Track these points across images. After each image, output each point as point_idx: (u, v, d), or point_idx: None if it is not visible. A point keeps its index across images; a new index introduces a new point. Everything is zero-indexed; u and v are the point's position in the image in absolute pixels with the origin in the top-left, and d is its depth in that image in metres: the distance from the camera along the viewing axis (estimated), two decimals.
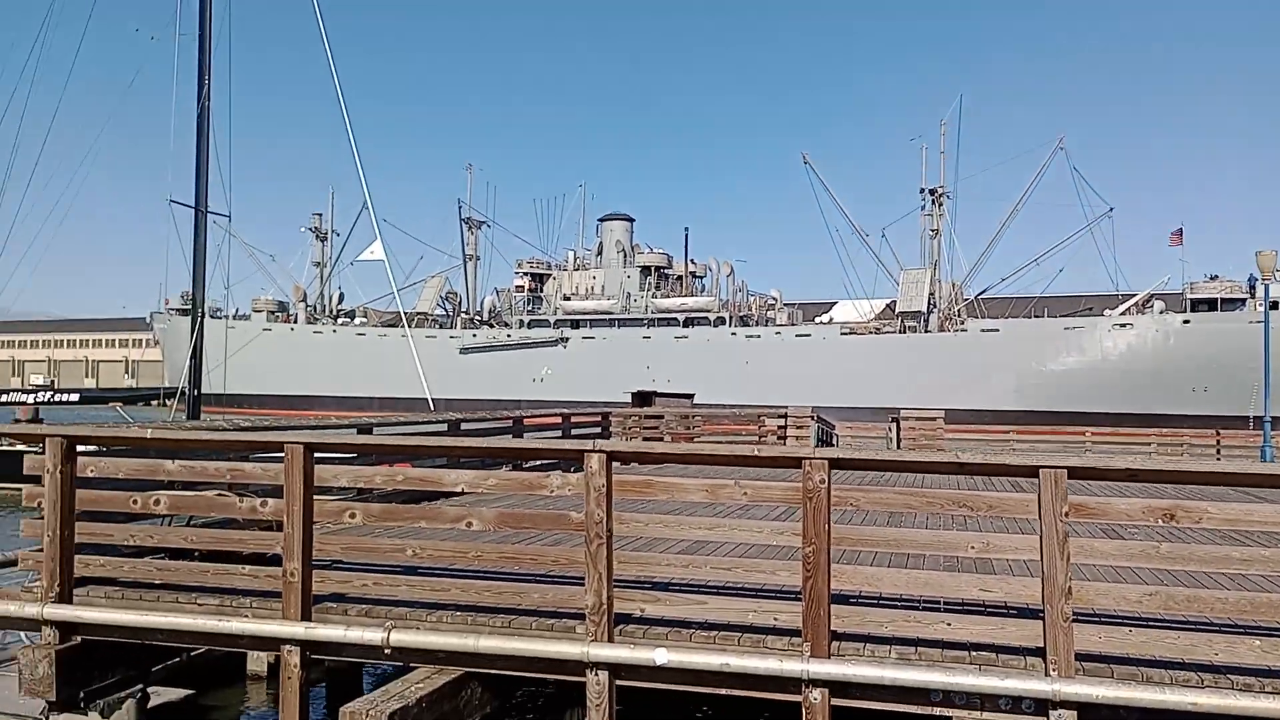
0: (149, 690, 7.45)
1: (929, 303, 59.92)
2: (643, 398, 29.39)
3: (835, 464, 5.81)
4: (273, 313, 76.41)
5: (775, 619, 5.87)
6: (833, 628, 5.65)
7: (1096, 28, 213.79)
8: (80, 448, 7.18)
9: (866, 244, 63.06)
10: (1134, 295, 56.05)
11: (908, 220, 67.47)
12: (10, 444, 28.94)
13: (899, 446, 20.98)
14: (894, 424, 22.01)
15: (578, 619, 6.08)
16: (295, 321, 75.47)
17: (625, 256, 73.15)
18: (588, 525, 6.02)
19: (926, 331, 59.52)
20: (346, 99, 27.61)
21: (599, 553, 5.95)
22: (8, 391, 38.24)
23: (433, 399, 31.76)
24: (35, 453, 7.29)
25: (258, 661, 9.28)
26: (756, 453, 6.49)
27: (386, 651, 6.29)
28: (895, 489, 5.95)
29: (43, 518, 7.08)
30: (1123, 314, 54.94)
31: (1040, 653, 5.40)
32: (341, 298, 78.32)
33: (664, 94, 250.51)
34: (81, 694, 6.88)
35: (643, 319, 68.01)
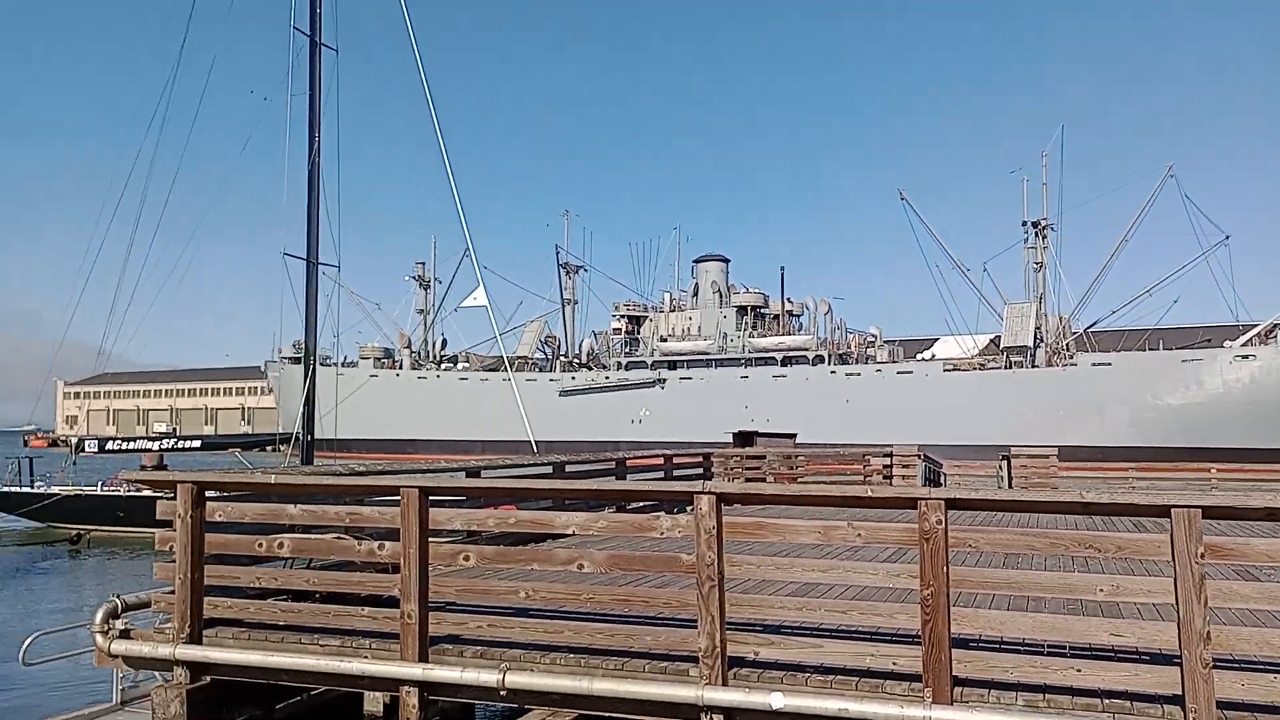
0: None
1: (1035, 337, 58.30)
2: (744, 438, 29.22)
3: (952, 504, 5.68)
4: (379, 359, 78.64)
5: (894, 663, 5.73)
6: (954, 672, 5.49)
7: (1198, 54, 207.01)
8: (208, 493, 7.49)
9: (968, 279, 61.80)
10: (1256, 325, 53.51)
11: (1010, 254, 65.72)
12: (137, 489, 30.26)
13: (1010, 485, 20.35)
14: (1004, 462, 21.38)
15: (690, 662, 6.04)
16: (401, 368, 77.50)
17: (721, 297, 73.19)
18: (699, 567, 6.00)
19: (1034, 366, 57.85)
20: (449, 149, 28.42)
21: (711, 595, 5.91)
22: (134, 439, 40.11)
23: (535, 441, 32.14)
24: (167, 498, 7.63)
25: (374, 702, 9.42)
26: (869, 493, 6.39)
27: (502, 693, 6.34)
28: (1015, 530, 5.78)
29: (174, 561, 7.38)
30: (1245, 345, 52.49)
31: (1178, 700, 5.15)
32: (445, 343, 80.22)
33: (756, 134, 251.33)
34: None
35: (740, 359, 67.80)
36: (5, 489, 32.67)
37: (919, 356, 65.64)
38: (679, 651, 6.19)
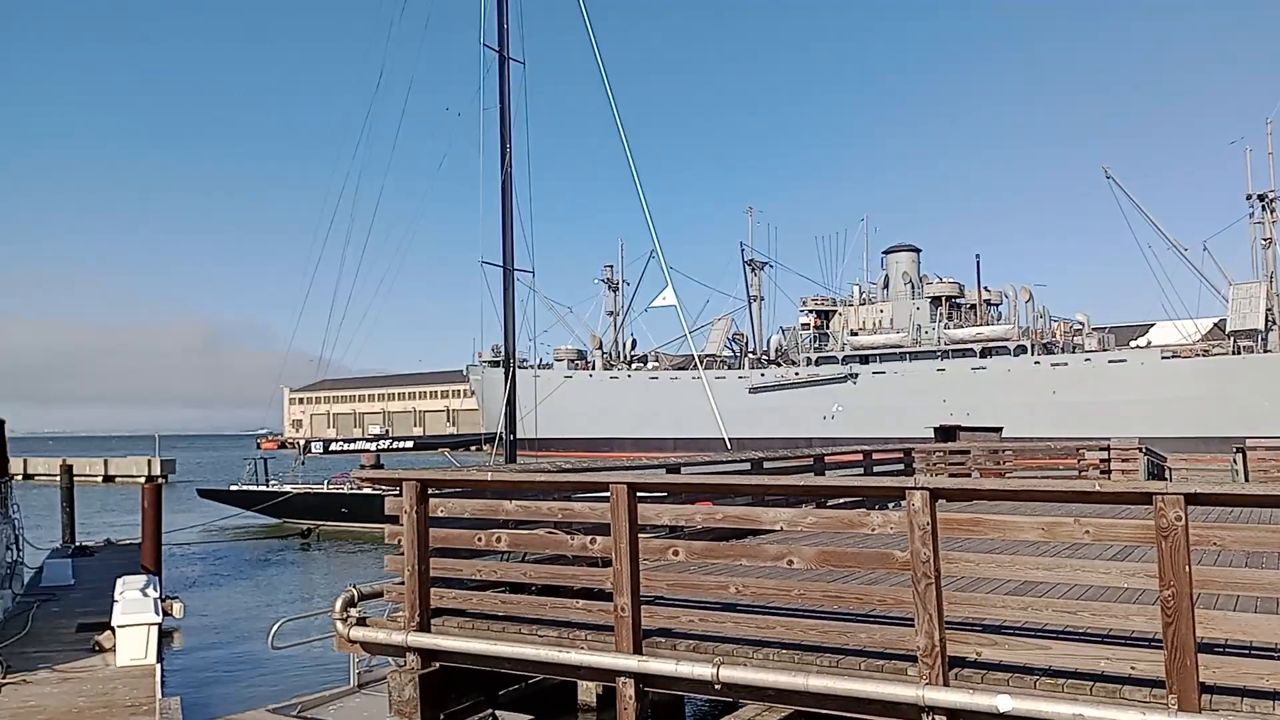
0: (496, 714, 8.02)
1: (1266, 319, 53.52)
2: (946, 432, 28.28)
3: (1192, 499, 5.30)
4: (573, 361, 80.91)
5: (1132, 668, 5.40)
6: (1201, 679, 5.13)
7: None
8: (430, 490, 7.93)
9: (1185, 259, 57.53)
10: None
11: (1232, 231, 60.86)
12: (359, 487, 32.34)
13: (1247, 480, 18.76)
14: (1239, 454, 19.73)
15: (908, 661, 5.91)
16: (593, 368, 79.43)
17: (913, 288, 71.07)
18: (913, 564, 5.86)
19: (1266, 351, 53.12)
20: (633, 152, 28.83)
21: (927, 593, 5.76)
22: (353, 441, 42.88)
23: (728, 438, 32.20)
24: (394, 496, 8.12)
25: (588, 692, 9.75)
26: (1096, 488, 6.05)
27: (716, 687, 6.40)
28: (1267, 527, 5.34)
29: (402, 554, 7.86)
30: None
31: None
32: (634, 344, 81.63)
33: (946, 120, 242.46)
34: (441, 716, 7.51)
35: (935, 351, 65.58)
36: (244, 487, 35.63)
37: (1132, 344, 61.59)
38: (895, 650, 6.07)
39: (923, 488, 5.92)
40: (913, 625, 5.83)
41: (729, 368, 74.77)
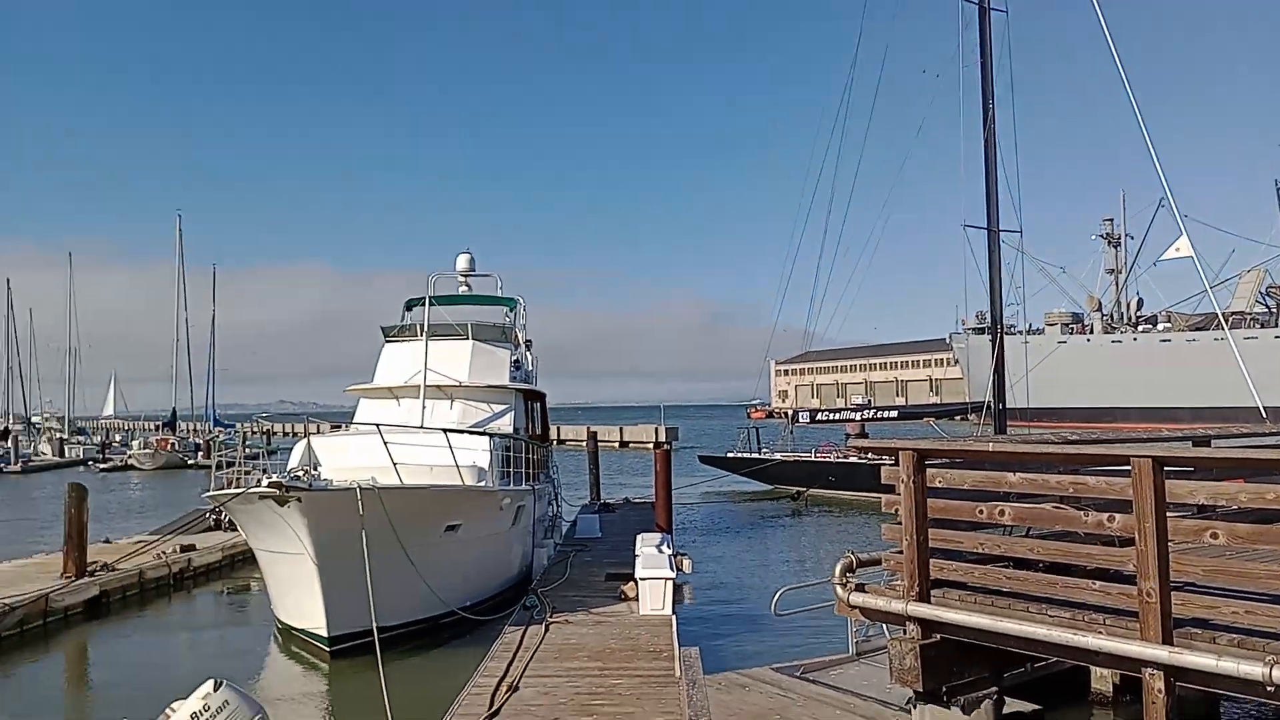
0: (1003, 697, 7.71)
1: None
2: None
3: None
4: (1066, 325, 75.25)
5: None
6: None
7: None
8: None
9: None
10: None
11: None
12: (844, 456, 32.95)
13: None
14: None
15: None
16: (1091, 332, 73.19)
17: None
18: None
19: None
20: (1134, 91, 25.77)
21: None
22: (838, 410, 43.75)
23: (1263, 407, 27.85)
24: (889, 465, 8.11)
25: (1102, 680, 9.05)
26: None
27: (1269, 689, 5.57)
28: None
29: (899, 523, 7.82)
30: None
31: None
32: (1140, 303, 73.89)
33: None
34: (944, 688, 7.39)
35: None
36: (738, 454, 37.98)
37: None
38: None
39: None
40: None
41: (1262, 326, 64.69)
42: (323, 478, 12.27)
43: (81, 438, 74.24)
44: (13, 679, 12.58)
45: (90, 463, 61.05)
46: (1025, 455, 7.85)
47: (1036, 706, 8.46)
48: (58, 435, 69.48)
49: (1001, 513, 7.31)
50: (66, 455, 64.46)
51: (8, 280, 76.13)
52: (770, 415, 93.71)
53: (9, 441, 61.10)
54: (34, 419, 76.96)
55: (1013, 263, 30.97)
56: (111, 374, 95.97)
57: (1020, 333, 64.33)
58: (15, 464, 56.83)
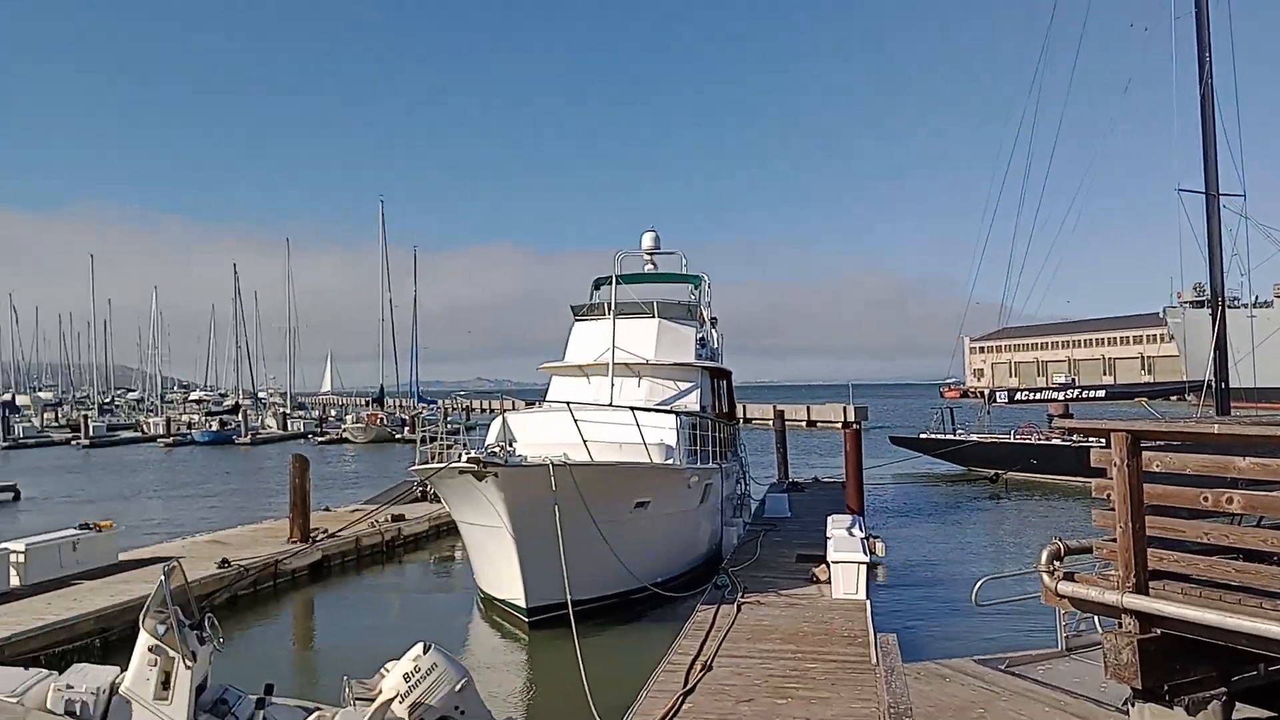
0: (1233, 700, 7.15)
1: None
2: None
3: None
4: None
5: None
6: None
7: None
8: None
9: None
10: None
11: None
12: (1047, 438, 31.38)
13: None
14: None
15: None
16: None
17: None
18: None
19: None
20: None
21: None
22: (1039, 390, 41.66)
23: None
24: (1099, 447, 7.63)
25: None
26: None
27: None
28: None
29: (1112, 509, 7.35)
30: None
31: None
32: None
33: None
34: (1165, 687, 6.92)
35: None
36: (932, 435, 36.80)
37: None
38: None
39: None
40: None
41: None
42: (518, 454, 12.73)
43: (302, 412, 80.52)
44: (248, 636, 13.77)
45: (309, 435, 65.91)
46: (1256, 438, 7.21)
47: (1272, 714, 7.79)
48: (281, 410, 75.43)
49: (1229, 500, 6.74)
50: (289, 429, 69.94)
51: (234, 265, 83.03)
52: (965, 394, 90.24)
53: (239, 416, 66.81)
54: (260, 394, 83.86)
55: (1235, 229, 28.56)
56: (328, 352, 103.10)
57: (1245, 306, 59.28)
58: (245, 436, 62.04)
